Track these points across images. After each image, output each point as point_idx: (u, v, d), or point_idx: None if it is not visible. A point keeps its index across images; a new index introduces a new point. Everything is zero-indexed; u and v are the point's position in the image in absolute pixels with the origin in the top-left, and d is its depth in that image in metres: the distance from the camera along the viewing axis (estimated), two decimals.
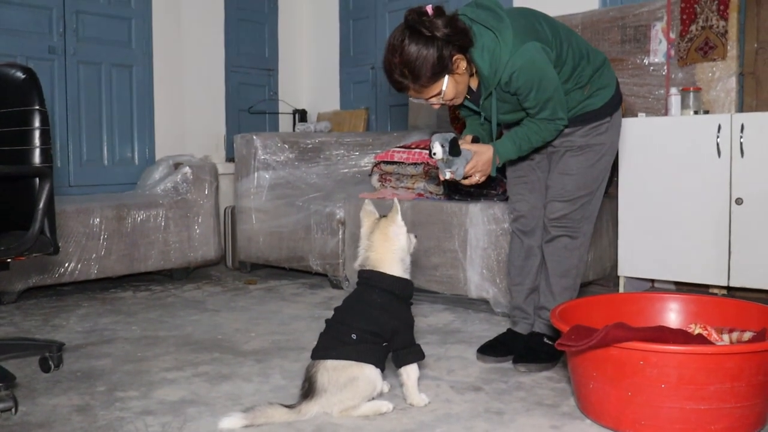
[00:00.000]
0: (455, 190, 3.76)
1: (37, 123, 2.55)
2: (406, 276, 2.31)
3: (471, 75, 2.48)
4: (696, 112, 3.67)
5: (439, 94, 2.40)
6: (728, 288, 3.54)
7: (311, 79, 6.34)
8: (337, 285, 4.30)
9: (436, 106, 2.50)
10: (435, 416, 2.20)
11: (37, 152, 2.54)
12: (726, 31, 3.81)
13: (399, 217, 2.29)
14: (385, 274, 2.27)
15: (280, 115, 6.18)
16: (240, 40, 5.87)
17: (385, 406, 2.21)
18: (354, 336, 2.17)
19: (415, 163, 3.93)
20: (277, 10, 6.15)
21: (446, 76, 2.36)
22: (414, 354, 2.26)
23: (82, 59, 4.88)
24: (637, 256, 3.69)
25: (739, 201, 3.36)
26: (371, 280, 2.28)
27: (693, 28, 3.91)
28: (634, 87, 4.11)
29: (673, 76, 4.01)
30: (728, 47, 3.81)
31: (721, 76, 3.84)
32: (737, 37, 3.82)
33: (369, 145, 4.98)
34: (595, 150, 2.65)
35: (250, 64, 5.96)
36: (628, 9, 4.17)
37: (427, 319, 3.46)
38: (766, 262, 3.30)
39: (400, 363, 2.25)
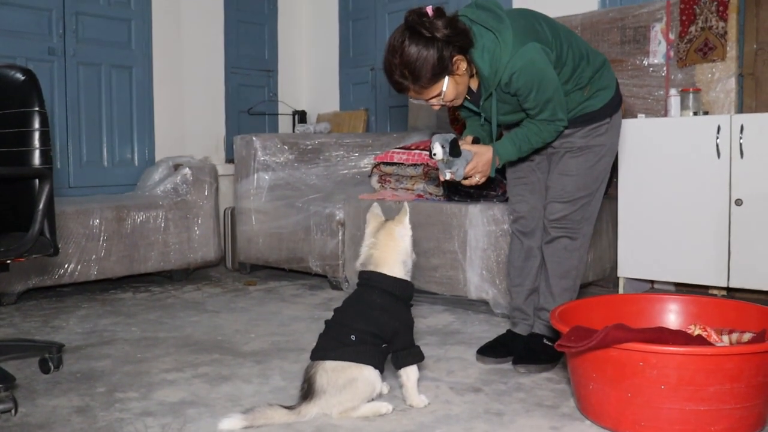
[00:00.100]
0: (455, 191, 3.76)
1: (36, 124, 2.55)
2: (407, 278, 2.31)
3: (471, 76, 2.48)
4: (695, 113, 3.67)
5: (439, 95, 2.40)
6: (728, 289, 3.54)
7: (311, 81, 6.34)
8: (336, 286, 4.30)
9: (436, 107, 2.50)
10: (434, 417, 2.20)
11: (36, 153, 2.54)
12: (725, 32, 3.81)
13: (407, 220, 2.31)
14: (385, 275, 2.27)
15: (279, 116, 6.18)
16: (240, 41, 5.87)
17: (385, 407, 2.21)
18: (353, 337, 2.17)
19: (414, 164, 3.93)
20: (276, 11, 6.15)
21: (446, 77, 2.36)
22: (414, 355, 2.26)
23: (81, 60, 4.88)
24: (636, 257, 3.69)
25: (738, 202, 3.36)
26: (371, 280, 2.28)
27: (692, 29, 3.92)
28: (634, 88, 4.11)
29: (672, 77, 4.01)
30: (728, 48, 3.81)
31: (720, 77, 3.84)
32: (737, 38, 3.82)
33: (368, 146, 4.98)
34: (594, 151, 2.65)
35: (249, 65, 5.96)
36: (627, 10, 4.17)
37: (426, 320, 3.46)
38: (766, 263, 3.30)
39: (400, 364, 2.25)
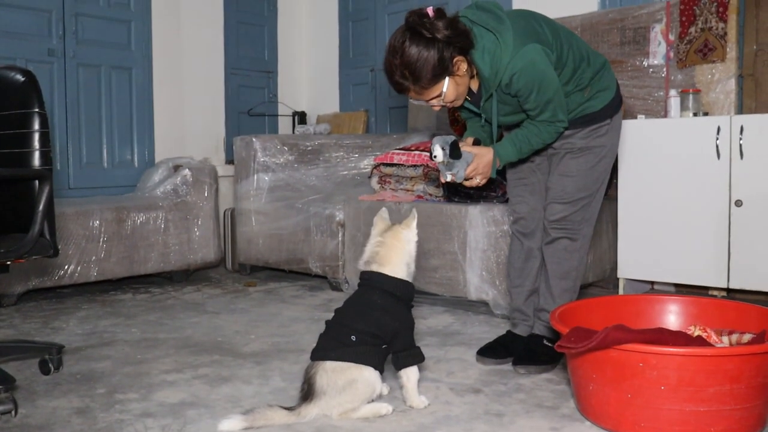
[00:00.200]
0: (455, 192, 3.76)
1: (36, 126, 2.55)
2: (407, 278, 2.31)
3: (471, 77, 2.48)
4: (695, 114, 3.67)
5: (439, 95, 2.40)
6: (728, 290, 3.54)
7: (311, 82, 6.35)
8: (336, 287, 4.29)
9: (437, 108, 2.50)
10: (434, 418, 2.20)
11: (36, 155, 2.54)
12: (725, 33, 3.82)
13: (414, 224, 2.33)
14: (386, 275, 2.27)
15: (279, 117, 6.18)
16: (239, 42, 5.87)
17: (385, 408, 2.21)
18: (353, 337, 2.17)
19: (414, 165, 3.94)
20: (276, 12, 6.15)
21: (447, 78, 2.36)
22: (414, 356, 2.26)
23: (81, 62, 4.88)
24: (636, 257, 3.69)
25: (738, 203, 3.36)
26: (372, 281, 2.28)
27: (692, 30, 3.92)
28: (634, 89, 4.11)
29: (672, 77, 4.01)
30: (727, 49, 3.81)
31: (720, 78, 3.85)
32: (736, 38, 3.82)
33: (368, 147, 4.98)
34: (595, 152, 2.65)
35: (249, 66, 5.96)
36: (627, 11, 4.17)
37: (426, 321, 3.46)
38: (766, 264, 3.30)
39: (400, 365, 2.26)
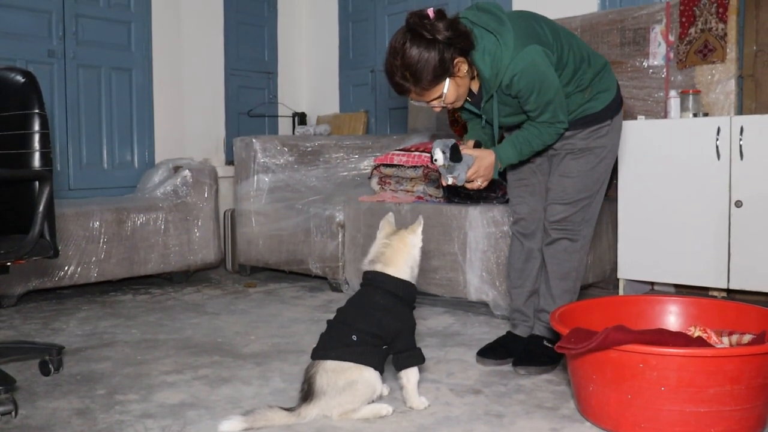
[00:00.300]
0: (455, 193, 3.76)
1: (36, 126, 2.55)
2: (410, 280, 2.32)
3: (472, 78, 2.48)
4: (695, 115, 3.67)
5: (440, 97, 2.40)
6: (728, 290, 3.54)
7: (311, 82, 6.35)
8: (336, 288, 4.29)
9: (437, 109, 2.50)
10: (435, 419, 2.20)
11: (36, 156, 2.54)
12: (725, 34, 3.82)
13: (420, 230, 2.35)
14: (389, 275, 2.28)
15: (279, 118, 6.18)
16: (239, 43, 5.88)
17: (385, 409, 2.21)
18: (354, 337, 2.18)
19: (414, 166, 3.94)
20: (276, 13, 6.16)
21: (447, 79, 2.36)
22: (414, 357, 2.26)
23: (81, 63, 4.88)
24: (636, 258, 3.69)
25: (738, 203, 3.36)
26: (375, 281, 2.28)
27: (692, 30, 3.92)
28: (634, 90, 4.11)
29: (672, 78, 4.01)
30: (727, 50, 3.82)
31: (720, 79, 3.85)
32: (736, 39, 3.82)
33: (368, 148, 4.98)
34: (595, 153, 2.65)
35: (249, 67, 5.96)
36: (627, 12, 4.17)
37: (426, 321, 3.46)
38: (766, 265, 3.30)
39: (401, 366, 2.26)
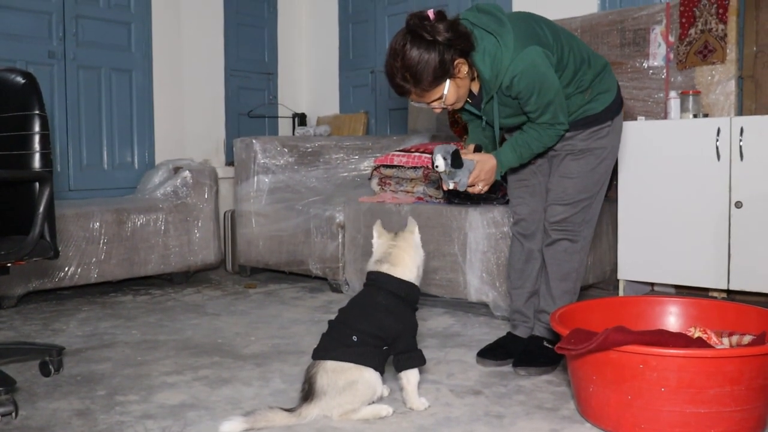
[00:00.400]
0: (455, 194, 3.76)
1: (36, 127, 2.55)
2: (416, 282, 2.33)
3: (472, 79, 2.48)
4: (695, 116, 3.67)
5: (440, 98, 2.41)
6: (728, 291, 3.54)
7: (311, 83, 6.35)
8: (336, 289, 4.29)
9: (437, 111, 2.50)
10: (435, 420, 2.20)
11: (37, 157, 2.54)
12: (725, 35, 3.82)
13: (417, 230, 2.38)
14: (392, 276, 2.28)
15: (279, 119, 6.18)
16: (239, 44, 5.88)
17: (385, 409, 2.21)
18: (355, 338, 2.18)
19: (414, 167, 3.94)
20: (276, 14, 6.16)
21: (448, 81, 2.37)
22: (415, 359, 2.26)
23: (81, 64, 4.88)
24: (636, 259, 3.69)
25: (738, 204, 3.36)
26: (378, 281, 2.29)
27: (692, 31, 3.92)
28: (634, 90, 4.11)
29: (672, 79, 4.01)
30: (727, 50, 3.82)
31: (720, 80, 3.85)
32: (736, 40, 3.82)
33: (368, 148, 4.98)
34: (595, 154, 2.65)
35: (249, 68, 5.97)
36: (627, 12, 4.17)
37: (426, 322, 3.46)
38: (766, 266, 3.30)
39: (401, 367, 2.26)
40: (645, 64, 4.10)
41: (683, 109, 3.72)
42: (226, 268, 5.12)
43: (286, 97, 6.21)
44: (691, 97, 3.70)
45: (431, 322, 3.47)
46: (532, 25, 2.45)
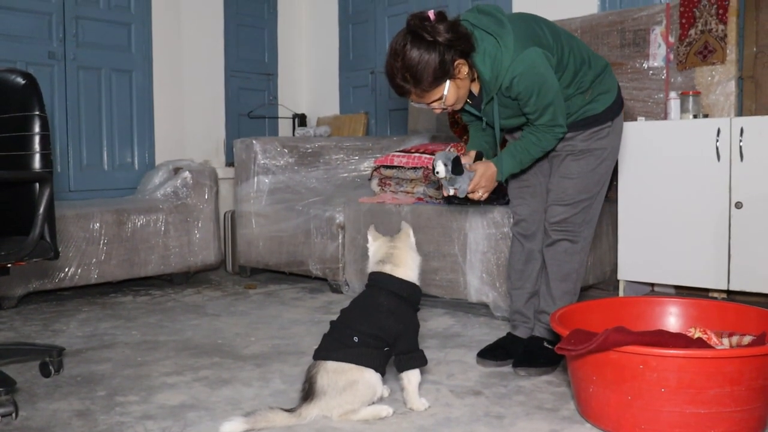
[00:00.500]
0: (455, 199, 3.75)
1: (37, 128, 2.55)
2: (417, 282, 2.33)
3: (472, 80, 2.49)
4: (695, 116, 3.67)
5: (440, 98, 2.41)
6: (728, 292, 3.54)
7: (311, 84, 6.35)
8: (336, 289, 4.30)
9: (438, 111, 2.51)
10: (435, 420, 2.20)
11: (37, 157, 2.54)
12: (725, 35, 3.82)
13: (412, 233, 2.40)
14: (394, 276, 2.29)
15: (279, 119, 6.18)
16: (239, 44, 5.88)
17: (385, 410, 2.21)
18: (356, 339, 2.18)
19: (414, 168, 3.94)
20: (276, 14, 6.16)
21: (448, 81, 2.37)
22: (416, 359, 2.26)
23: (82, 64, 4.88)
24: (636, 259, 3.69)
25: (738, 205, 3.36)
26: (380, 282, 2.29)
27: (692, 32, 3.92)
28: (634, 91, 4.11)
29: (672, 80, 4.01)
30: (727, 51, 3.82)
31: (720, 80, 3.85)
32: (736, 41, 3.82)
33: (368, 149, 4.98)
34: (596, 154, 2.65)
35: (249, 68, 5.97)
36: (627, 13, 4.17)
37: (426, 323, 3.46)
38: (766, 266, 3.30)
39: (402, 367, 2.26)
40: (645, 65, 4.10)
41: (683, 109, 3.72)
42: (226, 269, 5.12)
43: (286, 98, 6.21)
44: (691, 98, 3.70)
45: (431, 323, 3.48)
46: (533, 26, 2.45)
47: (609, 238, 4.03)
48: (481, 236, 3.56)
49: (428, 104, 2.45)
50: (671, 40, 4.00)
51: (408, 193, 4.02)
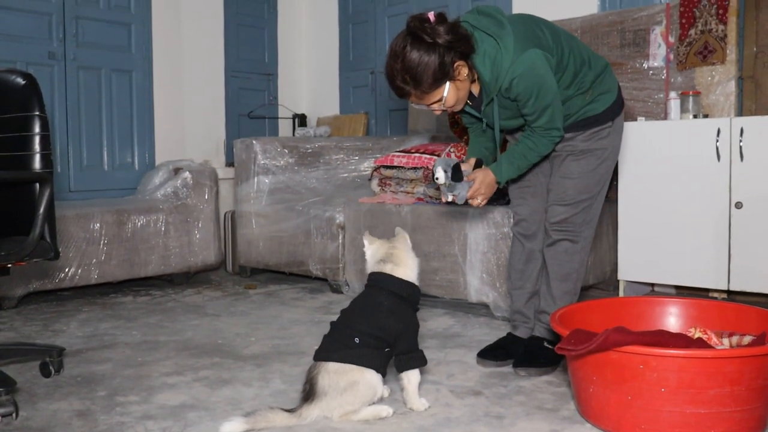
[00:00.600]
0: (454, 205, 3.76)
1: (37, 128, 2.55)
2: (416, 282, 2.34)
3: (472, 81, 2.49)
4: (695, 116, 3.67)
5: (440, 100, 2.41)
6: (728, 292, 3.54)
7: (311, 84, 6.35)
8: (337, 289, 4.30)
9: (437, 112, 2.51)
10: (435, 421, 2.20)
11: (37, 158, 2.54)
12: (725, 35, 3.82)
13: (407, 236, 2.42)
14: (394, 276, 2.29)
15: (279, 119, 6.18)
16: (240, 44, 5.88)
17: (385, 410, 2.22)
18: (357, 339, 2.18)
19: (414, 168, 3.94)
20: (276, 15, 6.16)
21: (447, 83, 2.37)
22: (416, 359, 2.27)
23: (82, 64, 4.88)
24: (637, 259, 3.69)
25: (738, 205, 3.36)
26: (380, 282, 2.29)
27: (692, 32, 3.92)
28: (634, 91, 4.11)
29: (672, 80, 4.01)
30: (727, 51, 3.82)
31: (720, 80, 3.85)
32: (736, 41, 3.82)
33: (369, 149, 4.98)
34: (596, 154, 2.65)
35: (249, 68, 5.97)
36: (627, 13, 4.17)
37: (427, 323, 3.46)
38: (766, 266, 3.30)
39: (402, 368, 2.26)
40: (645, 65, 4.10)
41: (683, 109, 3.72)
42: (227, 269, 5.12)
43: (286, 98, 6.21)
44: (691, 98, 3.70)
45: (431, 323, 3.48)
46: (533, 27, 2.45)
47: (609, 238, 4.03)
48: (481, 236, 3.56)
49: (428, 106, 2.45)
50: (671, 40, 4.01)
51: (408, 193, 4.02)
